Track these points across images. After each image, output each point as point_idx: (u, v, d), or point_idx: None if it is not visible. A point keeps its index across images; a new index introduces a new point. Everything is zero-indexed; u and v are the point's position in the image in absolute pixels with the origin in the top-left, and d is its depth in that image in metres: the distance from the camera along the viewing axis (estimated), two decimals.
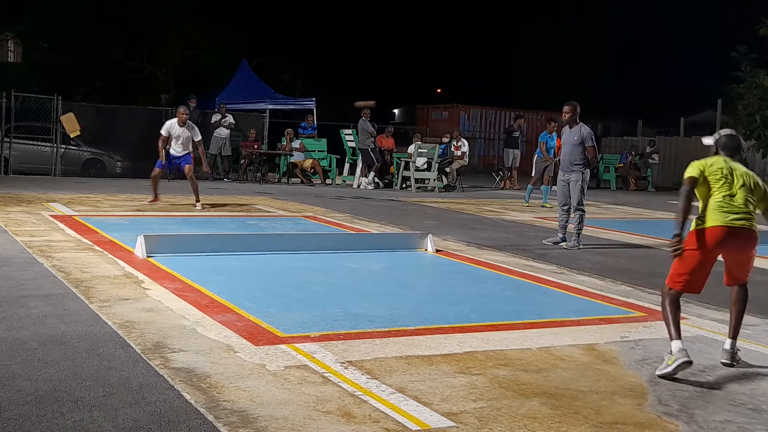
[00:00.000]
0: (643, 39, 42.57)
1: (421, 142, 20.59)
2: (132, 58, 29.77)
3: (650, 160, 25.42)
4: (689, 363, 4.64)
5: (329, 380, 4.30)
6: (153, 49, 30.02)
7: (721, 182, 4.97)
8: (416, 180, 19.25)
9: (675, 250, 4.88)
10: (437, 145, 20.10)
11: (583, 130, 10.04)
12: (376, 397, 4.06)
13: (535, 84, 37.27)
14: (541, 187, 16.58)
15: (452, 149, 20.58)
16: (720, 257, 5.01)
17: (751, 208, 5.01)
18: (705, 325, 6.09)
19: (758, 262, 9.55)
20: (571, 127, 10.13)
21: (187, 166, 12.72)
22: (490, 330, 5.60)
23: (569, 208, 10.20)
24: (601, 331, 5.79)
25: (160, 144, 12.58)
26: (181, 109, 12.86)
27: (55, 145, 18.54)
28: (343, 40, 35.88)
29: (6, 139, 18.20)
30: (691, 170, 5.04)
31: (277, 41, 32.79)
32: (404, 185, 19.50)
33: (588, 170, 10.21)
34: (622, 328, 5.89)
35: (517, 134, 21.96)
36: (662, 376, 4.65)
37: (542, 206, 15.87)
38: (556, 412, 4.01)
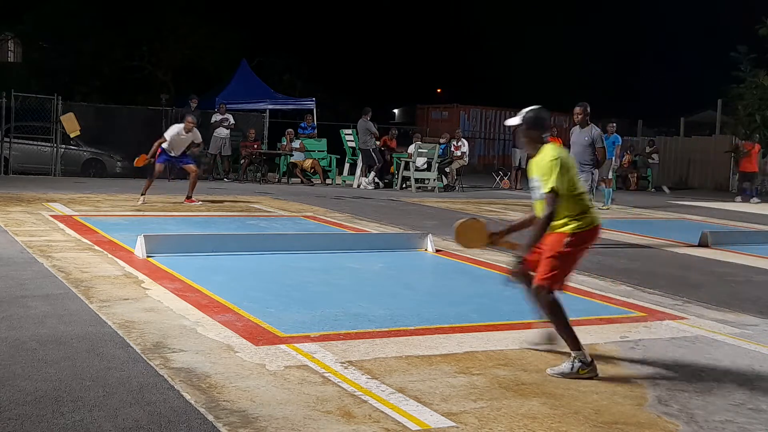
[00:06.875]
0: (644, 39, 42.56)
1: (421, 142, 20.59)
2: (132, 58, 29.76)
3: (650, 160, 25.44)
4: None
5: (329, 380, 4.30)
6: (153, 49, 30.00)
7: (576, 174, 4.80)
8: (416, 180, 19.25)
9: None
10: (437, 145, 20.10)
11: (594, 131, 10.09)
12: (376, 397, 4.06)
13: (535, 84, 37.24)
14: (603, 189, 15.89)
15: (452, 149, 20.58)
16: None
17: None
18: (705, 325, 6.07)
19: (758, 262, 9.63)
20: (581, 128, 10.20)
21: (191, 165, 13.38)
22: (490, 330, 5.60)
23: None
24: (601, 331, 5.78)
25: (156, 144, 12.92)
26: (190, 118, 13.19)
27: (55, 145, 18.55)
28: (343, 40, 35.87)
29: (6, 139, 18.21)
30: (552, 180, 4.58)
31: (277, 41, 32.77)
32: (404, 185, 19.50)
33: (597, 170, 10.29)
34: (622, 328, 5.89)
35: None
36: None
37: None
38: (556, 412, 4.01)
